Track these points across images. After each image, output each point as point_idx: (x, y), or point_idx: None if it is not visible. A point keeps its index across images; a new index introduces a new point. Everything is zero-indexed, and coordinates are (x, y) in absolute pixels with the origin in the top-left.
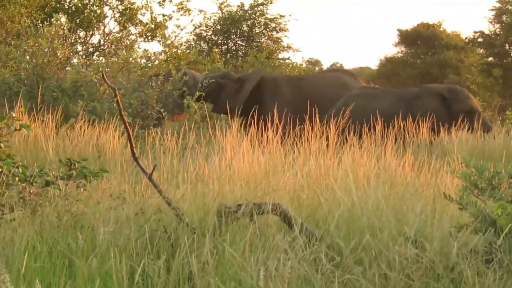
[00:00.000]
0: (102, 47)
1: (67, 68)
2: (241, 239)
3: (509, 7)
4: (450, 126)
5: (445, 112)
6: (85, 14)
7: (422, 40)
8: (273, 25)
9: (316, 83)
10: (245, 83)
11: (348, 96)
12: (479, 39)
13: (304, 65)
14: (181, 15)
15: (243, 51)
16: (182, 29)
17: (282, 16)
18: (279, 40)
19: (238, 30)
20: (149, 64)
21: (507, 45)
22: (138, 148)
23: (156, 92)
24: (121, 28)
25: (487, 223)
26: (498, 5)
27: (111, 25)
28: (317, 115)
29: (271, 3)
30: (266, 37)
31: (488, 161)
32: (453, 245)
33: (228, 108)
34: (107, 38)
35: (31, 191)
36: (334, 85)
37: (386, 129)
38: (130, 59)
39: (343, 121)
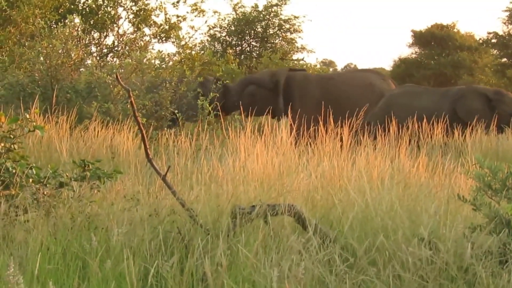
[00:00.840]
0: (116, 48)
1: (81, 69)
2: (255, 240)
3: None
4: (492, 127)
5: (489, 113)
6: (99, 15)
7: (436, 41)
8: (287, 26)
9: (344, 83)
10: (279, 84)
11: (390, 95)
12: (493, 40)
13: (318, 66)
14: (195, 16)
15: (257, 52)
16: (196, 30)
17: (296, 17)
18: (293, 41)
19: (252, 31)
20: (163, 65)
21: None
22: (152, 149)
23: (170, 93)
24: (135, 29)
25: (501, 224)
26: (511, 6)
27: (125, 26)
28: (336, 115)
29: (285, 4)
30: (280, 38)
31: (502, 162)
32: (467, 246)
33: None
34: (121, 39)
35: (45, 193)
36: (362, 85)
37: (429, 127)
38: (144, 60)
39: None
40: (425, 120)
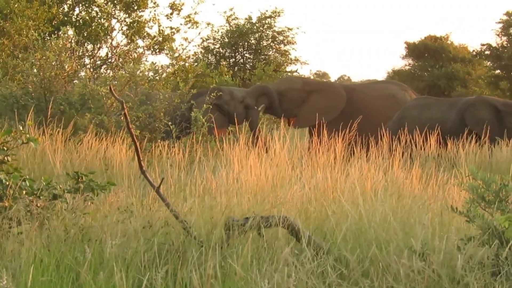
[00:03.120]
0: (109, 60)
1: (74, 81)
2: (248, 252)
3: None
4: (499, 138)
5: (496, 124)
6: (93, 27)
7: (429, 53)
8: (281, 38)
9: (367, 94)
10: (313, 95)
11: (404, 108)
12: (486, 52)
13: (312, 78)
14: (188, 28)
15: (251, 64)
16: (189, 42)
17: (289, 29)
18: (287, 53)
19: (246, 43)
20: (157, 77)
21: None
22: (145, 161)
23: (164, 105)
24: (129, 41)
25: (494, 235)
26: (505, 17)
27: (119, 38)
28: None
29: (279, 16)
30: (274, 50)
31: (495, 173)
32: (460, 257)
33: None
34: (114, 51)
35: (38, 205)
36: (384, 97)
37: (437, 137)
38: (138, 72)
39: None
40: (438, 130)
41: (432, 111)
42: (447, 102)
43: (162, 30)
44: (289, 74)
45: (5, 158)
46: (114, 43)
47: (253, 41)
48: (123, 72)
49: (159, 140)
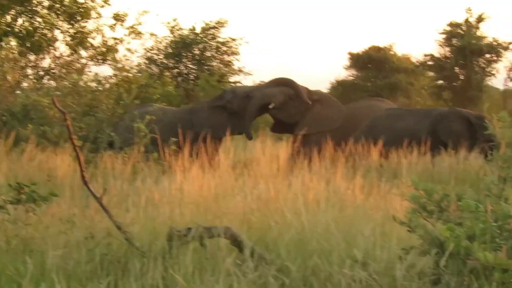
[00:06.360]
0: (52, 70)
1: (17, 92)
2: (191, 262)
3: (459, 31)
4: (471, 151)
5: (468, 137)
6: (36, 38)
7: (373, 63)
8: (224, 48)
9: (358, 112)
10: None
11: (374, 118)
12: (429, 62)
13: None
14: (132, 38)
15: (195, 75)
16: (133, 53)
17: (233, 40)
18: (230, 64)
19: (190, 54)
20: (100, 88)
21: (456, 68)
22: (89, 172)
23: (107, 116)
24: (72, 51)
25: (435, 245)
26: (448, 28)
27: (62, 48)
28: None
29: (223, 26)
30: (218, 60)
31: (437, 183)
32: (399, 267)
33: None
34: (57, 61)
35: None
36: (369, 113)
37: (409, 147)
38: (81, 82)
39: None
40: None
41: (405, 121)
42: (420, 112)
43: (105, 41)
44: (232, 85)
45: None
46: (57, 53)
47: (196, 52)
48: (66, 83)
49: (102, 151)
